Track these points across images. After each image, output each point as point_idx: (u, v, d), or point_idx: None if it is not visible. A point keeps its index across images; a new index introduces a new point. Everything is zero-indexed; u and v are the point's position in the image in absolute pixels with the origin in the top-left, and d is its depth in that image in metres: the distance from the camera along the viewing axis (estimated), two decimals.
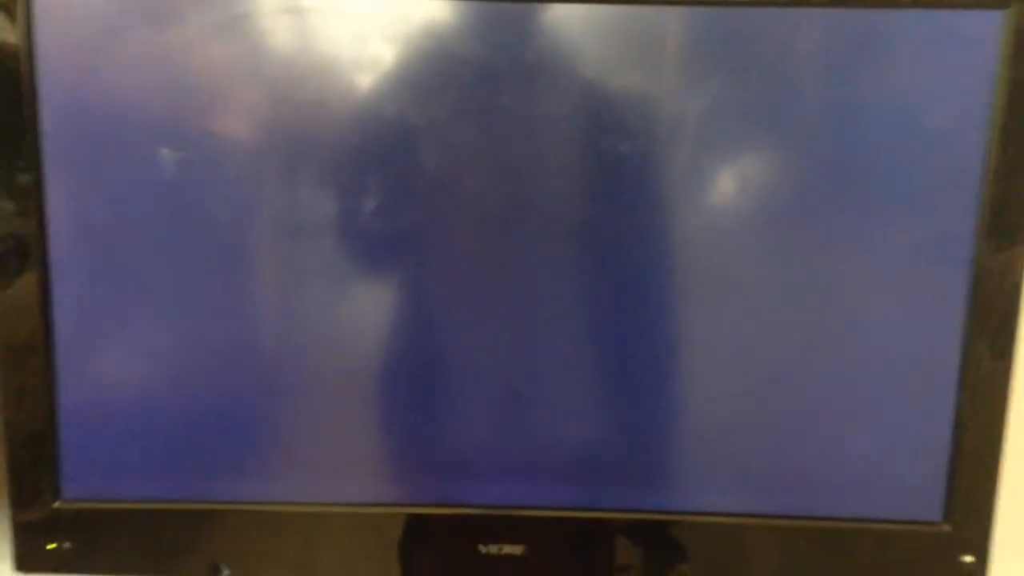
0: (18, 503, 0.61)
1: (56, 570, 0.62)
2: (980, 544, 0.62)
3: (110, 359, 0.62)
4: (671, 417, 0.62)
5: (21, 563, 0.62)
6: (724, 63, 0.57)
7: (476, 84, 0.57)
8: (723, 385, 0.62)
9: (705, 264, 0.60)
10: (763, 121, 0.58)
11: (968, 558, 0.62)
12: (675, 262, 0.60)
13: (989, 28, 0.55)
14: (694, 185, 0.59)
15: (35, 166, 0.58)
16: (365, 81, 0.57)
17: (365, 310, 0.61)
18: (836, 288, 0.60)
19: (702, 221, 0.60)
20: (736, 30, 0.56)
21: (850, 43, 0.56)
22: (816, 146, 0.58)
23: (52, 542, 0.62)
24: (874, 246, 0.59)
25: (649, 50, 0.57)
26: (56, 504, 0.62)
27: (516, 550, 0.63)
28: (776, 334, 0.61)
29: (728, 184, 0.59)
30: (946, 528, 0.62)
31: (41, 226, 0.58)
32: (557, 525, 0.63)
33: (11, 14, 0.55)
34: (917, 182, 0.58)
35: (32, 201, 0.58)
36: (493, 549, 0.63)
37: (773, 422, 0.62)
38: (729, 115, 0.58)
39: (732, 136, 0.58)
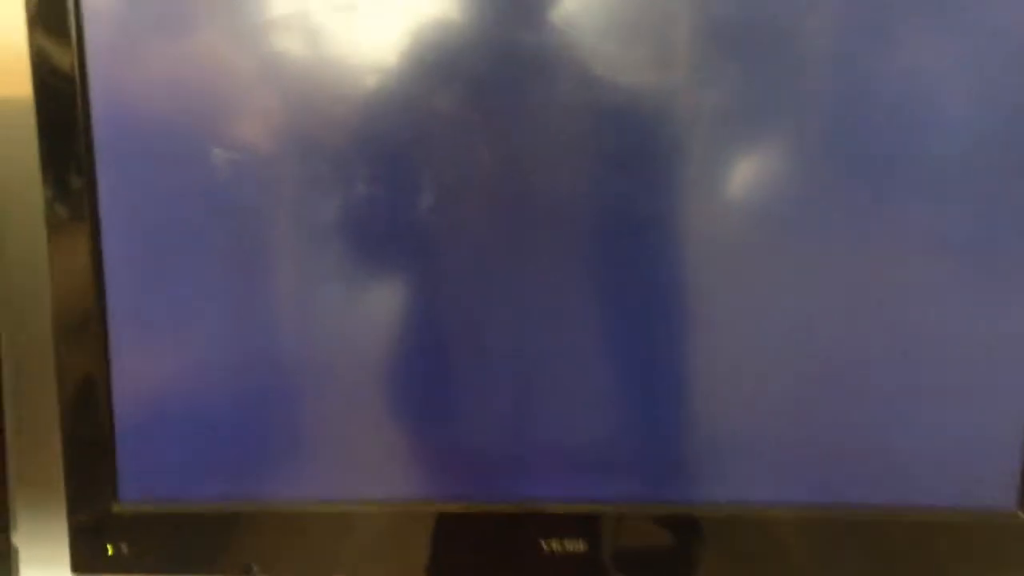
0: (75, 505, 0.61)
1: (113, 571, 0.62)
2: None
3: (164, 363, 0.62)
4: (724, 406, 0.61)
5: (79, 565, 0.62)
6: (736, 51, 0.56)
7: (491, 78, 0.57)
8: (768, 366, 0.60)
9: (734, 244, 0.58)
10: (790, 105, 0.56)
11: None
12: (701, 247, 0.59)
13: None
14: (710, 176, 0.57)
15: (88, 171, 0.58)
16: (404, 79, 0.57)
17: (398, 308, 0.61)
18: (902, 265, 0.58)
19: (722, 211, 0.58)
20: (752, 14, 0.55)
21: (870, 24, 0.55)
22: (850, 132, 0.56)
23: (110, 544, 0.61)
24: (938, 222, 0.57)
25: (663, 37, 0.56)
26: (114, 506, 0.61)
27: (579, 545, 0.61)
28: (825, 310, 0.59)
29: (746, 175, 0.58)
30: (1021, 516, 0.59)
31: (95, 231, 0.58)
32: (614, 520, 0.62)
33: (61, 25, 0.56)
34: (967, 168, 0.56)
35: (86, 205, 0.58)
36: (555, 545, 0.61)
37: (836, 406, 0.60)
38: (743, 105, 0.56)
39: (747, 127, 0.57)
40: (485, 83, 0.57)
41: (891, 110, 0.56)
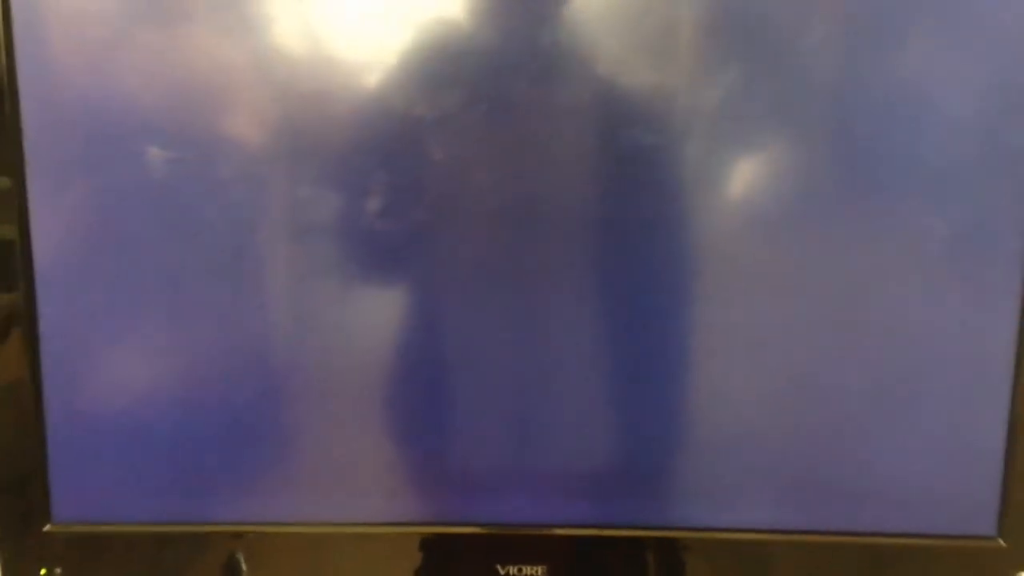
0: (6, 527, 0.58)
1: None
2: None
3: (101, 373, 0.58)
4: (698, 427, 0.58)
5: None
6: (745, 49, 0.53)
7: (488, 77, 0.54)
8: (753, 392, 0.58)
9: (731, 262, 0.56)
10: (794, 106, 0.54)
11: None
12: (697, 261, 0.56)
13: None
14: (716, 179, 0.55)
15: (17, 169, 0.54)
16: (372, 77, 0.54)
17: (374, 316, 0.58)
18: (876, 285, 0.56)
19: (726, 217, 0.56)
20: (755, 15, 0.53)
21: (872, 21, 0.53)
22: (850, 133, 0.54)
23: (43, 567, 0.58)
24: (917, 239, 0.55)
25: (664, 38, 0.54)
26: (46, 528, 0.58)
27: (536, 571, 0.59)
28: (811, 337, 0.57)
29: (752, 176, 0.56)
30: (1000, 543, 0.58)
31: (24, 233, 0.55)
32: (579, 544, 0.59)
33: None
34: (962, 169, 0.54)
35: (14, 207, 0.55)
36: (512, 570, 0.59)
37: (809, 432, 0.58)
38: (749, 103, 0.54)
39: (753, 125, 0.55)
40: (484, 84, 0.54)
41: (894, 110, 0.54)
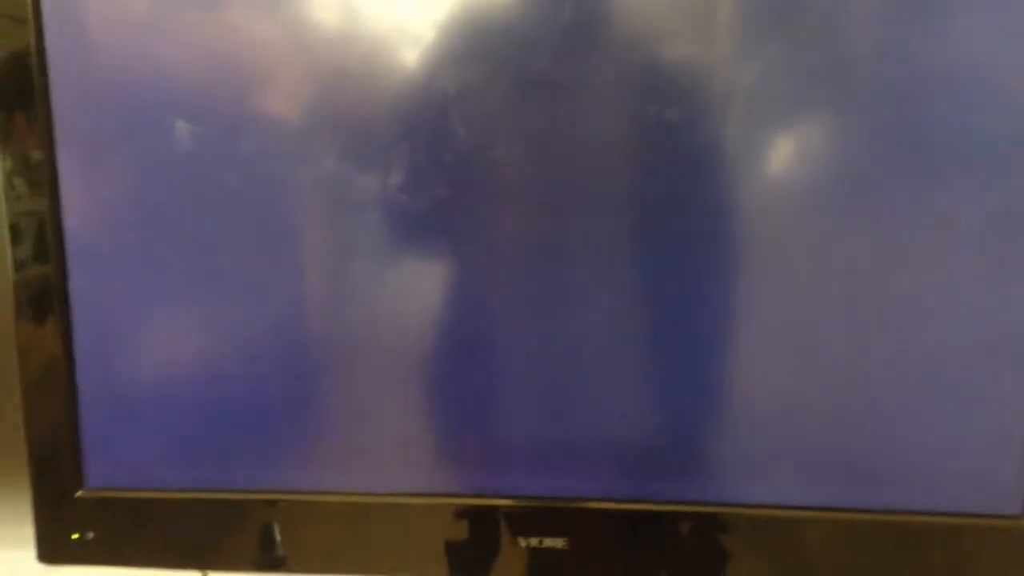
0: (40, 492, 0.59)
1: (80, 561, 0.60)
2: None
3: (134, 342, 0.59)
4: (723, 403, 0.58)
5: (44, 554, 0.60)
6: (779, 23, 0.52)
7: (522, 52, 0.53)
8: (780, 368, 0.57)
9: (766, 240, 0.55)
10: (826, 85, 0.53)
11: None
12: (728, 237, 0.56)
13: None
14: (748, 156, 0.54)
15: (48, 144, 0.55)
16: (403, 53, 0.54)
17: (407, 288, 0.58)
18: (906, 265, 0.55)
19: (760, 195, 0.55)
20: None
21: None
22: (883, 111, 0.53)
23: (75, 532, 0.60)
24: (948, 218, 0.54)
25: (701, 10, 0.53)
26: (79, 493, 0.60)
27: (558, 543, 0.59)
28: (839, 314, 0.56)
29: (787, 154, 0.55)
30: None
31: (56, 205, 0.56)
32: (601, 518, 0.59)
33: None
34: (993, 147, 0.53)
35: (45, 181, 0.55)
36: (534, 542, 0.59)
37: (833, 408, 0.57)
38: (787, 79, 0.53)
39: (790, 102, 0.54)
40: (517, 58, 0.53)
41: (934, 86, 0.53)
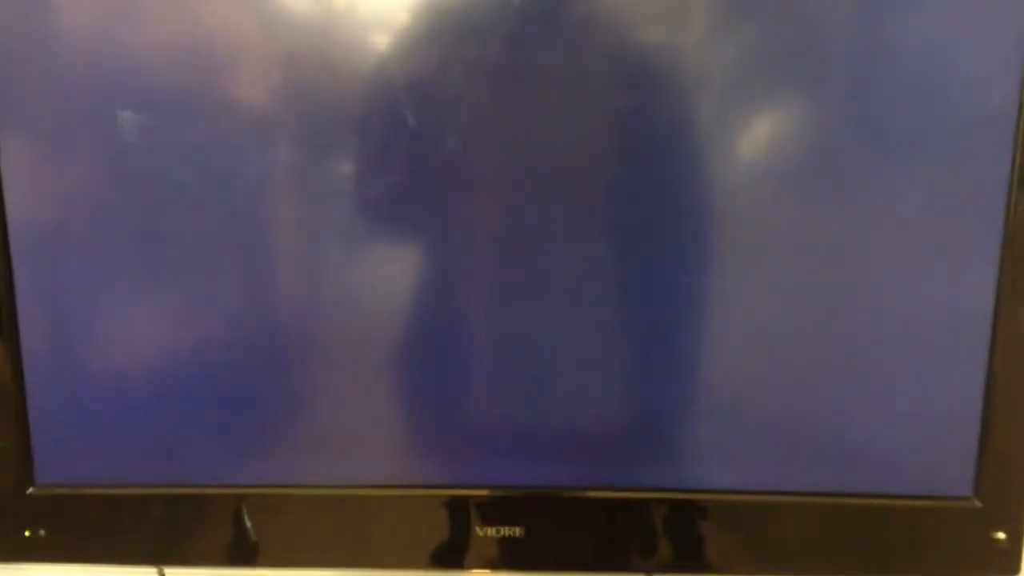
0: None
1: (33, 559, 0.59)
2: (1013, 520, 0.58)
3: (85, 333, 0.58)
4: (688, 390, 0.58)
5: None
6: (749, 8, 0.52)
7: (495, 36, 0.53)
8: (742, 355, 0.58)
9: (730, 225, 0.56)
10: (790, 70, 0.54)
11: (1000, 535, 0.58)
12: (693, 226, 0.56)
13: None
14: (713, 144, 0.55)
15: None
16: (361, 39, 0.53)
17: (366, 281, 0.57)
18: (863, 250, 0.55)
19: (727, 179, 0.55)
20: None
21: None
22: (844, 95, 0.54)
23: (27, 530, 0.59)
24: (903, 200, 0.54)
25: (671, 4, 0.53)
26: (29, 490, 0.59)
27: (515, 531, 0.59)
28: (801, 301, 0.56)
29: (751, 139, 0.55)
30: (977, 504, 0.58)
31: None
32: (562, 505, 0.59)
33: None
34: (948, 130, 0.53)
35: None
36: (497, 531, 0.59)
37: (795, 395, 0.58)
38: (755, 65, 0.53)
39: (758, 87, 0.54)
40: (491, 42, 0.53)
41: (906, 77, 0.53)
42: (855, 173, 0.54)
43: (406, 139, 0.54)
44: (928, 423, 0.57)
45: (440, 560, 0.60)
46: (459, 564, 0.60)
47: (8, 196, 0.55)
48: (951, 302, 0.56)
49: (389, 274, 0.57)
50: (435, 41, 0.53)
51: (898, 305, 0.56)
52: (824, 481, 0.59)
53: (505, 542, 0.59)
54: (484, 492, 0.59)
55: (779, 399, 0.58)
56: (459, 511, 0.59)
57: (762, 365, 0.58)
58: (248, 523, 0.60)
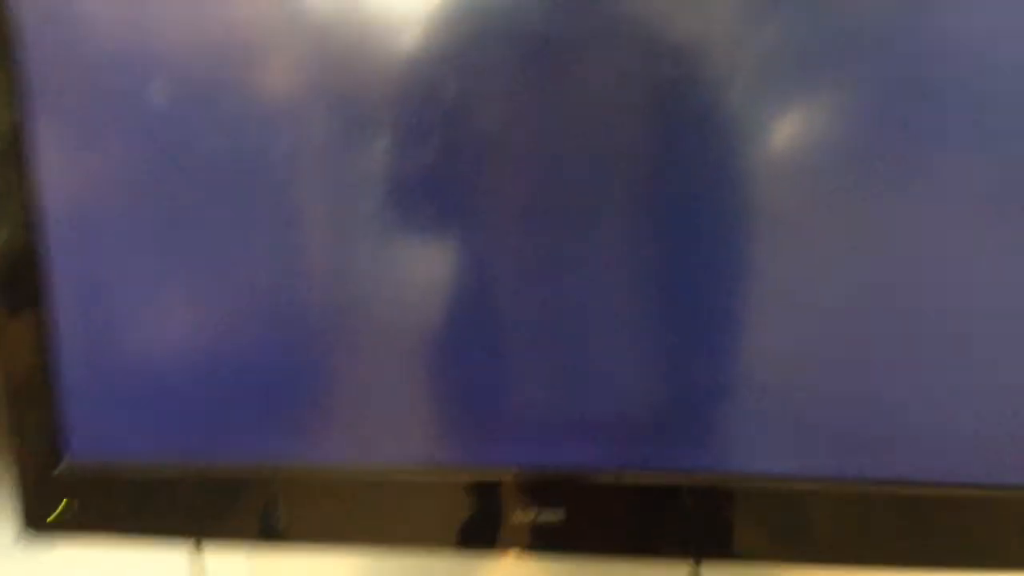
0: (22, 461, 0.58)
1: (66, 531, 0.59)
2: None
3: (116, 309, 0.57)
4: (728, 372, 0.56)
5: (29, 524, 0.59)
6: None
7: (522, 19, 0.51)
8: (786, 337, 0.55)
9: (767, 208, 0.53)
10: (835, 54, 0.51)
11: None
12: (734, 205, 0.53)
13: None
14: (755, 121, 0.52)
15: (18, 107, 0.53)
16: (393, 15, 0.52)
17: (402, 261, 0.56)
18: (919, 232, 0.53)
19: (770, 157, 0.53)
20: None
21: None
22: (890, 75, 0.51)
23: (59, 502, 0.59)
24: (962, 186, 0.52)
25: None
26: (61, 466, 0.58)
27: (556, 515, 0.57)
28: (850, 280, 0.54)
29: (796, 115, 0.52)
30: None
31: (26, 171, 0.54)
32: (606, 489, 0.58)
33: None
34: (1007, 112, 0.50)
35: (16, 146, 0.54)
36: (535, 514, 0.58)
37: (840, 377, 0.55)
38: (802, 42, 0.51)
39: (804, 64, 0.51)
40: (519, 27, 0.51)
41: (944, 56, 0.50)
42: (906, 152, 0.52)
43: (439, 114, 0.53)
44: (982, 407, 0.54)
45: (475, 541, 0.59)
46: (493, 545, 0.59)
47: (42, 175, 0.55)
48: (1010, 284, 0.53)
49: (422, 254, 0.56)
50: (469, 16, 0.51)
51: (954, 285, 0.53)
52: (875, 468, 0.56)
53: (540, 526, 0.58)
54: (519, 472, 0.58)
55: (829, 383, 0.56)
56: (494, 492, 0.58)
57: (808, 347, 0.55)
58: (281, 501, 0.59)
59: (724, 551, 0.58)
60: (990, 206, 0.52)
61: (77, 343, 0.57)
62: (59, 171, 0.55)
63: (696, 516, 0.58)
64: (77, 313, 0.57)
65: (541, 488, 0.58)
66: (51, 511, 0.59)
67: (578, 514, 0.58)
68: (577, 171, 0.53)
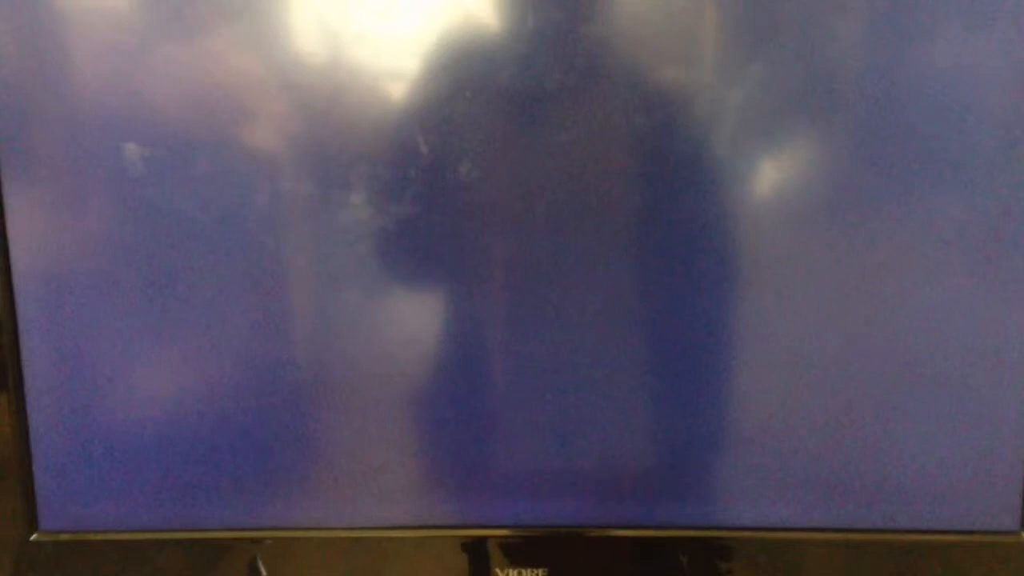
0: None
1: None
2: None
3: (90, 376, 0.56)
4: (717, 424, 0.56)
5: None
6: (767, 40, 0.51)
7: (509, 78, 0.52)
8: (774, 386, 0.55)
9: (756, 254, 0.54)
10: (812, 96, 0.52)
11: None
12: (723, 252, 0.54)
13: None
14: (736, 169, 0.53)
15: None
16: (370, 72, 0.52)
17: (383, 318, 0.55)
18: (897, 277, 0.53)
19: (752, 206, 0.53)
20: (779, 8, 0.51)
21: (901, 6, 0.50)
22: (870, 122, 0.52)
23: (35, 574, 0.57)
24: (941, 232, 0.53)
25: (684, 19, 0.51)
26: (34, 536, 0.57)
27: (538, 573, 0.57)
28: (832, 329, 0.54)
29: (775, 163, 0.53)
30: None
31: (2, 233, 0.54)
32: (586, 545, 0.57)
33: None
34: (979, 156, 0.52)
35: None
36: (513, 573, 0.57)
37: (828, 427, 0.55)
38: (775, 89, 0.52)
39: (780, 110, 0.52)
40: (506, 85, 0.52)
41: (917, 101, 0.51)
42: (886, 198, 0.52)
43: (419, 168, 0.53)
44: (971, 454, 0.55)
45: None
46: None
47: (13, 240, 0.54)
48: (992, 329, 0.53)
49: (405, 310, 0.55)
50: (447, 67, 0.52)
51: (937, 333, 0.54)
52: (861, 517, 0.56)
53: None
54: (505, 532, 0.57)
55: (812, 432, 0.56)
56: (480, 552, 0.57)
57: (794, 397, 0.55)
58: (262, 569, 0.58)
59: None
60: (978, 255, 0.53)
61: (50, 414, 0.56)
62: (30, 239, 0.54)
63: (689, 571, 0.57)
64: (50, 385, 0.56)
65: (526, 547, 0.57)
66: None
67: (564, 572, 0.57)
68: (561, 224, 0.53)
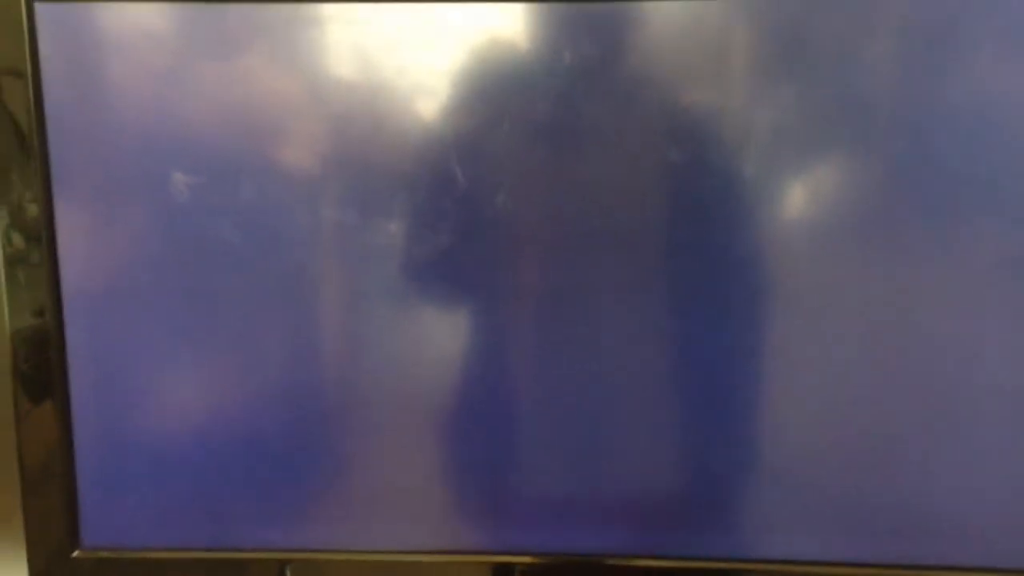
0: (35, 551, 0.58)
1: None
2: None
3: (133, 396, 0.58)
4: (748, 455, 0.56)
5: None
6: (792, 64, 0.51)
7: (539, 100, 0.53)
8: (804, 417, 0.56)
9: (788, 285, 0.54)
10: (844, 131, 0.52)
11: None
12: (755, 283, 0.54)
13: None
14: (771, 204, 0.53)
15: (44, 196, 0.54)
16: (408, 101, 0.53)
17: (415, 342, 0.56)
18: (931, 307, 0.53)
19: (785, 237, 0.54)
20: (807, 26, 0.51)
21: (931, 34, 0.50)
22: (903, 151, 0.52)
23: None
24: (974, 257, 0.52)
25: (716, 52, 0.52)
26: (75, 553, 0.58)
27: None
28: (866, 359, 0.54)
29: (808, 194, 0.53)
30: None
31: (52, 257, 0.55)
32: (610, 574, 0.58)
33: (13, 36, 0.52)
34: (1016, 184, 0.51)
35: (41, 234, 0.55)
36: None
37: (860, 458, 0.55)
38: (805, 121, 0.52)
39: (811, 142, 0.52)
40: (535, 107, 0.53)
41: (948, 125, 0.51)
42: (922, 227, 0.52)
43: (455, 198, 0.54)
44: (1006, 490, 0.54)
45: None
46: None
47: (63, 260, 0.55)
48: None
49: (436, 335, 0.56)
50: (484, 99, 0.53)
51: (973, 364, 0.53)
52: (893, 552, 0.56)
53: None
54: (530, 559, 0.58)
55: (843, 464, 0.56)
56: None
57: (825, 429, 0.55)
58: None
59: None
60: (1017, 283, 0.53)
61: (94, 430, 0.57)
62: (79, 260, 0.56)
63: None
64: (94, 400, 0.57)
65: (551, 574, 0.57)
66: None
67: None
68: (593, 254, 0.54)
